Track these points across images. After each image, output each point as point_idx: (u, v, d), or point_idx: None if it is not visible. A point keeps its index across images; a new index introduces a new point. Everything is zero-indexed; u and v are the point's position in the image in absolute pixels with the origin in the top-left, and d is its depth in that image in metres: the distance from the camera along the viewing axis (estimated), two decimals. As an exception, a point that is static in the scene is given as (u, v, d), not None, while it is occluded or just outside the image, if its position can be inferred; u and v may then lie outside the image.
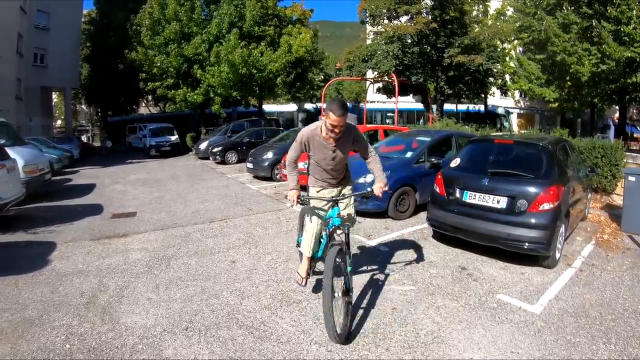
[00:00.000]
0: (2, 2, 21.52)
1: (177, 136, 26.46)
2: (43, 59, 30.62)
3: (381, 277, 5.39)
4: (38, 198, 10.50)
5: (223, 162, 19.04)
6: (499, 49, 29.05)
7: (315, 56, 29.21)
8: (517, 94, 37.80)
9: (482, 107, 37.72)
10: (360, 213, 8.02)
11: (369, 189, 4.11)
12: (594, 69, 19.00)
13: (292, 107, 43.03)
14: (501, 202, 5.79)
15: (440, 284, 5.20)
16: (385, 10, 28.12)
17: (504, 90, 35.71)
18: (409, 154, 9.04)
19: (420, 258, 6.13)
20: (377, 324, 4.17)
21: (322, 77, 41.63)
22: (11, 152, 9.01)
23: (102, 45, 37.00)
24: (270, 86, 26.32)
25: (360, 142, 4.19)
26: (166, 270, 5.64)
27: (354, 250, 6.39)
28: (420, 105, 33.90)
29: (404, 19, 28.28)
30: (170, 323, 4.17)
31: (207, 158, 20.65)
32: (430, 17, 26.89)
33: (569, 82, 22.01)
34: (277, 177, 13.30)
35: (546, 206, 5.51)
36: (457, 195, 6.31)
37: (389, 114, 43.08)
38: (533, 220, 5.52)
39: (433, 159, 8.74)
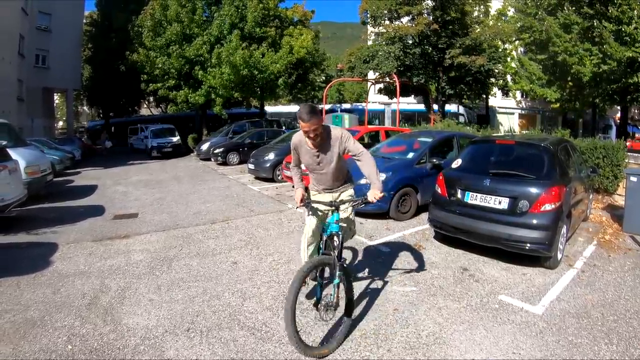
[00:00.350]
0: (4, 3, 21.54)
1: (178, 137, 26.47)
2: (45, 60, 30.66)
3: (383, 278, 5.39)
4: (40, 199, 10.51)
5: (224, 163, 19.04)
6: (500, 50, 29.04)
7: (316, 57, 29.20)
8: (518, 94, 37.80)
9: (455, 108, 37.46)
10: (361, 214, 8.06)
11: (363, 196, 3.91)
12: (595, 69, 18.99)
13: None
14: (503, 203, 5.79)
15: (442, 284, 5.20)
16: (386, 11, 28.12)
17: (506, 91, 35.71)
18: (410, 155, 9.04)
19: (421, 259, 6.12)
20: (378, 324, 4.17)
21: (324, 78, 41.71)
22: (13, 153, 9.01)
23: (104, 47, 37.06)
24: (272, 87, 26.30)
25: (347, 144, 3.98)
26: (168, 271, 5.65)
27: (354, 252, 6.40)
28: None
29: (405, 19, 28.29)
30: (172, 324, 4.17)
31: (209, 159, 20.65)
32: (431, 18, 26.92)
33: (570, 83, 22.02)
34: (279, 178, 13.30)
35: (548, 207, 5.51)
36: (459, 196, 6.31)
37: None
38: (535, 221, 5.52)
39: (434, 160, 8.74)
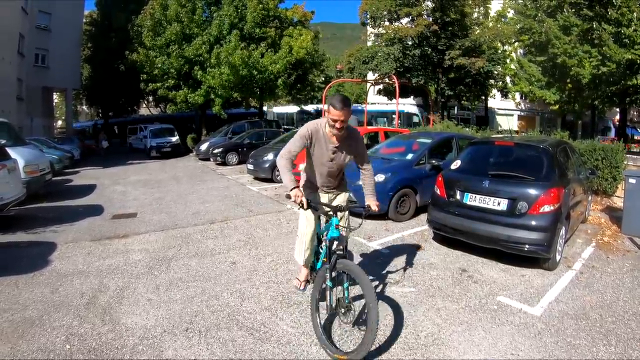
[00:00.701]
0: (4, 2, 21.54)
1: (177, 137, 26.47)
2: (44, 60, 30.66)
3: (381, 279, 5.39)
4: (39, 198, 10.51)
5: (223, 163, 19.04)
6: (499, 51, 29.13)
7: (316, 58, 29.17)
8: (517, 96, 37.82)
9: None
10: (360, 215, 8.04)
11: (367, 205, 3.93)
12: (595, 71, 19.00)
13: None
14: (502, 204, 5.79)
15: (441, 285, 5.20)
16: (386, 12, 28.23)
17: (505, 92, 35.77)
18: (409, 156, 9.04)
19: (420, 260, 6.13)
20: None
21: (323, 78, 41.65)
22: (12, 152, 9.01)
23: (103, 46, 37.05)
24: (271, 88, 26.30)
25: (362, 150, 4.09)
26: (166, 271, 5.64)
27: (353, 253, 6.39)
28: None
29: (404, 20, 28.38)
30: (171, 324, 4.17)
31: (208, 159, 20.66)
32: (431, 19, 27.00)
33: (569, 84, 22.01)
34: (278, 178, 13.28)
35: (547, 208, 5.51)
36: (458, 197, 6.31)
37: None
38: (533, 223, 5.52)
39: (434, 161, 8.75)
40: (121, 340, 3.87)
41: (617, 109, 26.98)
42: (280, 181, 12.93)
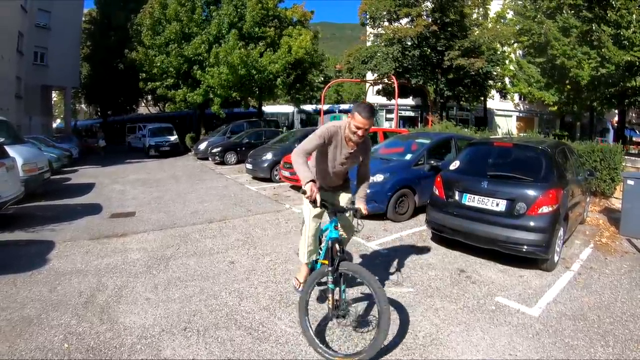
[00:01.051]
0: (3, 0, 21.50)
1: (176, 136, 26.45)
2: (43, 58, 30.61)
3: (380, 279, 5.38)
4: (37, 197, 10.49)
5: (222, 162, 19.04)
6: (498, 52, 29.15)
7: (315, 58, 29.17)
8: (516, 97, 37.87)
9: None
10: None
11: (359, 217, 3.89)
12: (594, 72, 19.02)
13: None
14: (500, 205, 5.80)
15: (439, 286, 5.20)
16: (385, 13, 28.24)
17: (504, 93, 35.84)
18: (408, 156, 9.05)
19: (418, 260, 6.13)
20: (375, 325, 4.17)
21: (322, 78, 41.65)
22: (10, 150, 8.99)
23: (103, 45, 37.03)
24: (270, 87, 26.30)
25: (368, 157, 4.13)
26: (165, 271, 5.64)
27: (351, 253, 6.40)
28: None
29: (404, 21, 28.41)
30: (169, 323, 4.16)
31: (207, 158, 20.66)
32: (430, 20, 27.01)
33: (568, 86, 22.04)
34: (277, 178, 13.29)
35: (545, 209, 5.52)
36: (456, 197, 6.32)
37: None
38: (532, 223, 5.53)
39: (432, 162, 8.75)
40: (119, 339, 3.87)
41: (616, 111, 27.02)
42: (278, 181, 12.95)
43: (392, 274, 5.60)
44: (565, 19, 20.57)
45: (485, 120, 36.71)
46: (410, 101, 37.73)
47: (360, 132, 3.64)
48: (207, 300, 4.69)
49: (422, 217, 8.05)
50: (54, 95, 44.67)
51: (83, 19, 37.82)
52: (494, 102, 40.79)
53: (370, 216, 8.23)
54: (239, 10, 25.01)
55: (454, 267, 5.91)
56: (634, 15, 18.00)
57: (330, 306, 3.67)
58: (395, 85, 23.97)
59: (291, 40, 25.83)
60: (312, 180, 3.49)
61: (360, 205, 3.96)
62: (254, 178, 14.26)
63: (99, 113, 48.87)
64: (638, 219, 7.32)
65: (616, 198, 9.91)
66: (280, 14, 27.40)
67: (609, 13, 18.97)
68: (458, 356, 3.70)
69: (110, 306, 4.53)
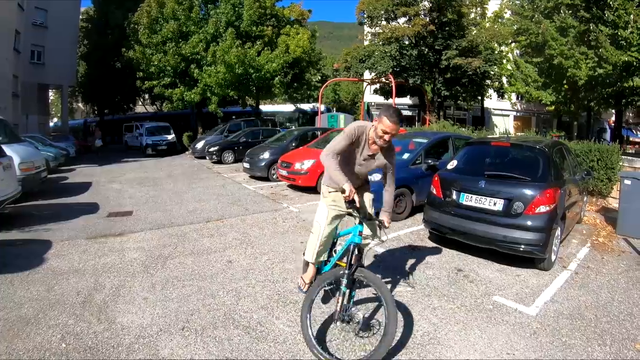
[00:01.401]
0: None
1: (173, 135, 26.44)
2: (40, 56, 30.50)
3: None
4: (34, 196, 10.47)
5: (219, 161, 19.02)
6: (496, 52, 29.18)
7: (312, 57, 29.15)
8: (513, 96, 37.91)
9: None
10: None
11: (382, 229, 3.94)
12: (591, 72, 19.04)
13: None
14: (498, 205, 5.81)
15: (437, 285, 5.21)
16: (383, 12, 28.28)
17: (501, 93, 35.90)
18: (405, 156, 9.05)
19: (416, 259, 6.14)
20: (372, 324, 4.17)
21: (320, 77, 41.61)
22: (7, 149, 8.95)
23: (100, 43, 36.88)
24: (268, 86, 26.27)
25: (393, 163, 4.09)
26: (162, 270, 5.63)
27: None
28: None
29: (401, 20, 28.42)
30: (167, 323, 4.16)
31: (204, 157, 20.64)
32: (428, 19, 27.03)
33: (565, 86, 22.05)
34: (274, 177, 13.28)
35: (542, 209, 5.53)
36: (454, 197, 6.33)
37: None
38: (529, 223, 5.54)
39: (430, 161, 8.75)
40: (117, 339, 3.86)
41: (613, 111, 27.07)
42: (275, 180, 12.94)
43: (390, 273, 5.59)
44: (562, 19, 20.59)
45: (482, 119, 36.80)
46: (407, 100, 37.76)
47: (386, 137, 3.63)
48: (205, 300, 4.69)
49: (419, 216, 8.07)
50: (51, 94, 44.55)
51: (80, 17, 37.71)
52: (491, 101, 40.84)
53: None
54: (236, 9, 24.98)
55: (452, 266, 5.92)
56: (631, 16, 18.02)
57: (338, 308, 3.62)
58: (393, 84, 24.00)
59: (289, 39, 25.81)
60: (349, 181, 3.53)
61: (385, 218, 3.93)
62: (252, 177, 14.25)
63: (95, 112, 48.70)
64: (635, 219, 7.37)
65: (613, 198, 9.94)
66: (277, 12, 27.37)
67: (606, 13, 18.99)
68: (456, 355, 3.71)
69: (108, 306, 4.52)
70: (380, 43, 28.49)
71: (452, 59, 26.22)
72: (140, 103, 53.65)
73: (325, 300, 4.24)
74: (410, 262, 6.04)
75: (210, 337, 3.90)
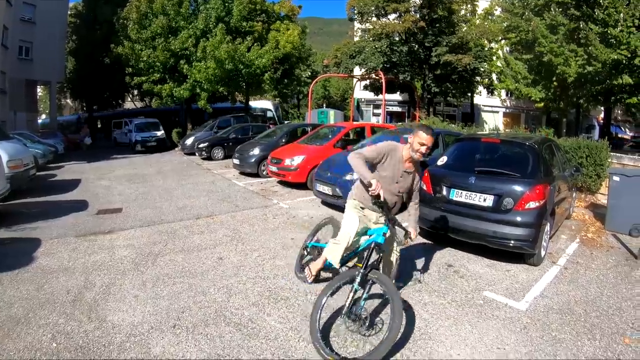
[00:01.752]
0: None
1: (162, 131, 26.24)
2: (28, 52, 30.08)
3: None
4: (22, 194, 10.35)
5: (209, 158, 18.90)
6: (486, 49, 29.30)
7: (302, 53, 29.10)
8: (503, 93, 38.09)
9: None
10: (341, 208, 8.05)
11: (407, 239, 4.20)
12: (581, 70, 19.17)
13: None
14: (487, 200, 5.84)
15: (427, 280, 5.24)
16: (373, 8, 28.26)
17: (491, 90, 36.06)
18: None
19: (406, 255, 6.15)
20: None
21: (310, 73, 41.56)
22: (-5, 146, 8.88)
23: (88, 39, 36.42)
24: (258, 82, 26.16)
25: (418, 179, 4.31)
26: (153, 267, 5.61)
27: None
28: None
29: (392, 16, 28.44)
30: (158, 320, 4.14)
31: (193, 154, 20.52)
32: (418, 16, 27.08)
33: (555, 83, 22.19)
34: (264, 173, 13.23)
35: (532, 205, 5.57)
36: (444, 193, 6.36)
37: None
38: (519, 219, 5.58)
39: (420, 157, 8.75)
40: (108, 337, 3.84)
41: (602, 108, 27.30)
42: (265, 176, 12.91)
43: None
44: (552, 17, 20.71)
45: (472, 116, 36.93)
46: (397, 96, 37.86)
47: (423, 150, 3.91)
48: (196, 297, 4.68)
49: (410, 212, 8.08)
50: (39, 90, 44.08)
51: (69, 12, 37.27)
52: (481, 98, 40.99)
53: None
54: (226, 4, 24.80)
55: (442, 261, 5.95)
56: (621, 14, 18.18)
57: (347, 304, 3.68)
58: (383, 80, 24.01)
59: (279, 35, 25.70)
60: (375, 177, 3.80)
61: (411, 229, 4.21)
62: (241, 173, 14.20)
63: (84, 108, 48.23)
64: (623, 215, 7.45)
65: (602, 194, 10.05)
66: (267, 8, 27.23)
67: (596, 11, 19.14)
68: (447, 350, 3.73)
69: (99, 304, 4.50)
70: (371, 39, 28.50)
71: (442, 56, 26.28)
72: (129, 99, 53.20)
73: (332, 294, 4.28)
74: (400, 257, 6.05)
75: (202, 335, 3.89)
